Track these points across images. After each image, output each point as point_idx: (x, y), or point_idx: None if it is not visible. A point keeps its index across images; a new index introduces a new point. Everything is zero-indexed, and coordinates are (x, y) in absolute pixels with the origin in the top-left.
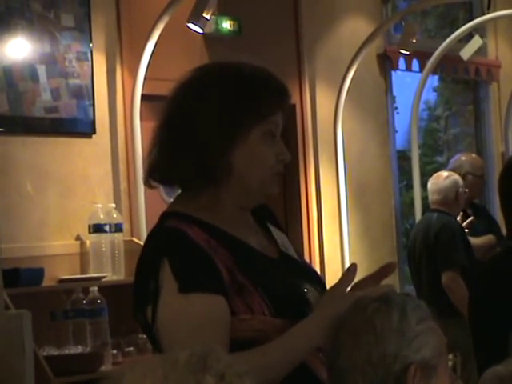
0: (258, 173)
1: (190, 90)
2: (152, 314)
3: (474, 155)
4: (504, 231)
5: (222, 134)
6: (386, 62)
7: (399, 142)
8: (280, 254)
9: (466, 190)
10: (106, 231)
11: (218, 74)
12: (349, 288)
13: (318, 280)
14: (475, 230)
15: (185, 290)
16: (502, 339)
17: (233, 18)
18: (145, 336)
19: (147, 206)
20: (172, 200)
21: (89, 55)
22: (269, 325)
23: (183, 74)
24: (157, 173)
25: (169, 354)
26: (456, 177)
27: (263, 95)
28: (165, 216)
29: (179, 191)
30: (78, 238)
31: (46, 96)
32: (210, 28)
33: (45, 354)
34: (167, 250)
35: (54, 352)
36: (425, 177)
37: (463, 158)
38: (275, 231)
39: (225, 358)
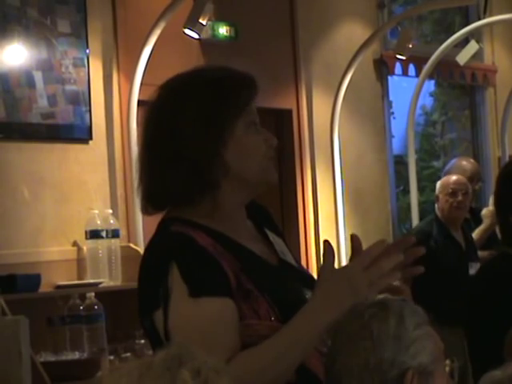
0: (253, 163)
1: (165, 109)
2: (164, 318)
3: (464, 159)
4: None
5: (210, 137)
6: (383, 67)
7: (396, 146)
8: (279, 260)
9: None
10: (102, 237)
11: (185, 84)
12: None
13: None
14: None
15: (195, 294)
16: (497, 344)
17: (229, 23)
18: (142, 341)
19: None
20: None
21: (85, 61)
22: (275, 331)
23: (149, 98)
24: (155, 200)
25: (145, 357)
26: (439, 182)
27: (234, 89)
28: (166, 221)
29: None
30: (74, 243)
31: (43, 102)
32: (206, 34)
33: (42, 359)
34: (175, 254)
35: (51, 358)
36: (421, 182)
37: (459, 163)
38: (273, 237)
39: (200, 356)
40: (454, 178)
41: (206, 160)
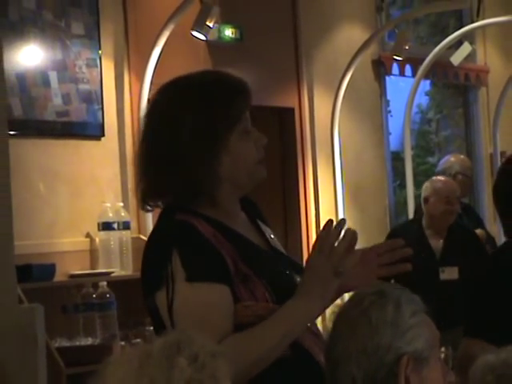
0: (244, 170)
1: (163, 118)
2: (168, 302)
3: (462, 156)
4: (491, 230)
5: (204, 151)
6: (381, 68)
7: (393, 143)
8: (270, 248)
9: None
10: (114, 229)
11: (181, 96)
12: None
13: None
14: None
15: (192, 279)
16: (498, 331)
17: (235, 26)
18: (151, 328)
19: None
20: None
21: (98, 61)
22: (271, 311)
23: (150, 101)
24: (150, 198)
25: (145, 344)
26: (428, 184)
27: (229, 100)
28: (170, 210)
29: None
30: (87, 235)
31: (58, 101)
32: (213, 35)
33: (57, 345)
34: (177, 241)
35: (66, 343)
36: (417, 177)
37: (452, 159)
38: (264, 227)
39: (198, 341)
40: (447, 185)
41: (201, 173)
